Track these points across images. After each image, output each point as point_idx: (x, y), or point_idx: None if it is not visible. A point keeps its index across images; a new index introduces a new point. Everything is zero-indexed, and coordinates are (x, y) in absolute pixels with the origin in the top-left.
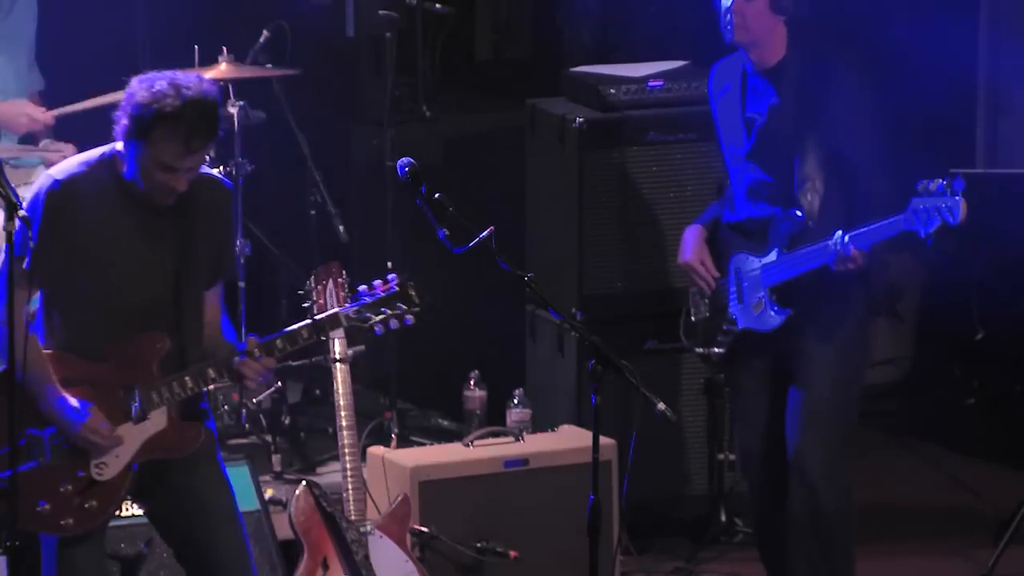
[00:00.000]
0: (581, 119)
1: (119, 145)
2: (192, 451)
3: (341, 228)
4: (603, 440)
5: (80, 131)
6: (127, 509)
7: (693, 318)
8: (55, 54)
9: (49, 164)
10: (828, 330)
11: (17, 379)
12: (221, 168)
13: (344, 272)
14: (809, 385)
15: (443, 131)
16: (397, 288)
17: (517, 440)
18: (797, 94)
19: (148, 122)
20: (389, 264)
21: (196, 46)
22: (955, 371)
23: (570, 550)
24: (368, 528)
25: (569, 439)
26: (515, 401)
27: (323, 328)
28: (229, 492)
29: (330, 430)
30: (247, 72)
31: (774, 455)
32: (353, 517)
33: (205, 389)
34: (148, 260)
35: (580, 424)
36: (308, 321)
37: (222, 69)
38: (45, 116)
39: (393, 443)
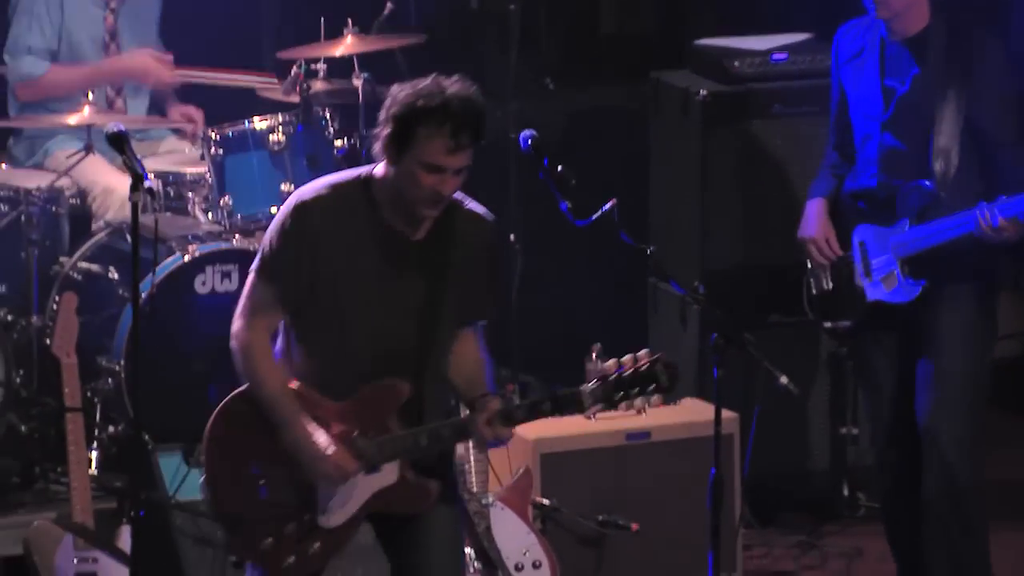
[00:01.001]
0: (704, 92)
1: (377, 169)
2: (422, 510)
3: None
4: (725, 413)
5: (208, 99)
6: None
7: (815, 291)
8: (181, 31)
9: (177, 133)
10: (958, 301)
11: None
12: (345, 140)
13: None
14: (940, 358)
15: (566, 104)
16: (646, 369)
17: (639, 413)
18: (941, 64)
19: (413, 119)
20: (512, 237)
21: (322, 18)
22: None
23: (692, 523)
24: (490, 500)
25: (691, 412)
26: None
27: (567, 405)
28: (455, 531)
29: (452, 402)
30: (372, 44)
31: (904, 430)
32: (475, 489)
33: (439, 449)
34: (394, 292)
35: (702, 397)
36: (548, 401)
37: (347, 42)
38: (170, 72)
39: None
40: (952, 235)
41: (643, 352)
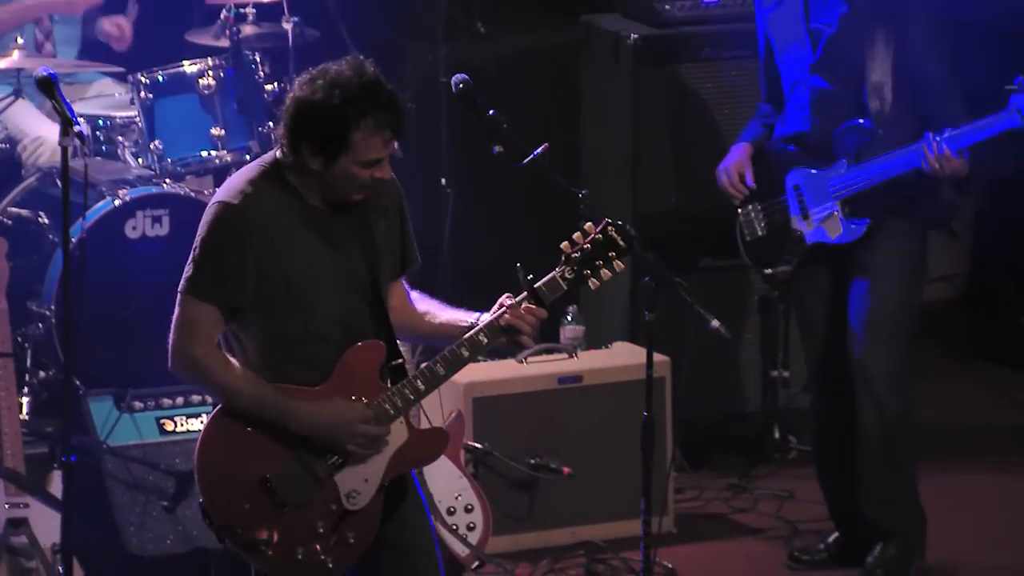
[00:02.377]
0: (635, 35)
1: (278, 154)
2: (440, 456)
3: (395, 144)
4: (657, 357)
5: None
6: (182, 425)
7: (748, 238)
8: None
9: (106, 76)
10: (895, 238)
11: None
12: (275, 84)
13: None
14: (874, 294)
15: (497, 48)
16: (601, 236)
17: (571, 357)
18: (868, 2)
19: (346, 125)
20: (443, 181)
21: None
22: (1011, 288)
23: (623, 467)
24: None
25: (623, 356)
26: (569, 318)
27: (546, 296)
28: (426, 524)
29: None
30: None
31: (837, 370)
32: None
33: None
34: (336, 263)
35: (634, 341)
36: (525, 294)
37: None
38: None
39: None
40: (896, 172)
41: (587, 224)
